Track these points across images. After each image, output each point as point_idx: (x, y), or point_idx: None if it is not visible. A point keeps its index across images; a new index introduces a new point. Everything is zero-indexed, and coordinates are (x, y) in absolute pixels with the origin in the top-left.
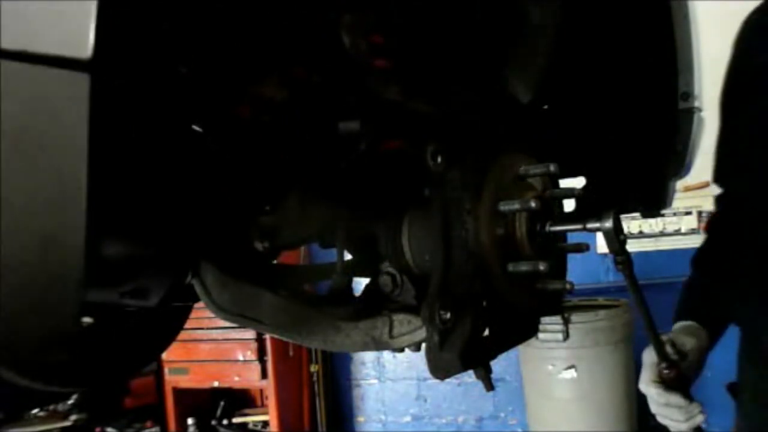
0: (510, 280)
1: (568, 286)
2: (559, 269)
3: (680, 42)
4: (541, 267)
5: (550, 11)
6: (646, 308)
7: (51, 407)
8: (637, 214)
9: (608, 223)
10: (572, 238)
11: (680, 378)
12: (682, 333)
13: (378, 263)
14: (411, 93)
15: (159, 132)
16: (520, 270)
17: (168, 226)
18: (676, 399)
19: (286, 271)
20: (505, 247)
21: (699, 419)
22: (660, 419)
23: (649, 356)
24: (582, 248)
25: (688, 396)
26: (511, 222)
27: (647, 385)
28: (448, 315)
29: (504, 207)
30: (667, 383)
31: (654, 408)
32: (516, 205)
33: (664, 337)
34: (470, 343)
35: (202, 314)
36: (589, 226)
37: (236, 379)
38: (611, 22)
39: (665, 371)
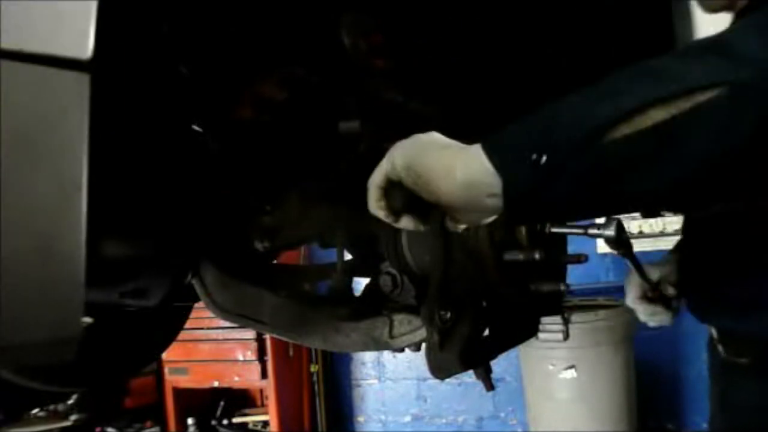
0: (509, 279)
1: (563, 287)
2: (558, 270)
3: (680, 42)
4: (536, 255)
5: None
6: (632, 253)
7: (51, 407)
8: (637, 214)
9: (609, 231)
10: (573, 237)
11: (660, 295)
12: (651, 266)
13: (378, 263)
14: (411, 93)
15: (159, 132)
16: (517, 259)
17: (168, 227)
18: (660, 309)
19: (286, 271)
20: (505, 248)
21: (672, 318)
22: (648, 322)
23: (633, 279)
24: (581, 259)
25: (668, 306)
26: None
27: (634, 302)
28: (448, 315)
29: (509, 257)
30: (650, 299)
31: (643, 317)
32: (520, 256)
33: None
34: (470, 343)
35: (202, 314)
36: (591, 231)
37: (236, 379)
38: (611, 22)
39: (649, 293)
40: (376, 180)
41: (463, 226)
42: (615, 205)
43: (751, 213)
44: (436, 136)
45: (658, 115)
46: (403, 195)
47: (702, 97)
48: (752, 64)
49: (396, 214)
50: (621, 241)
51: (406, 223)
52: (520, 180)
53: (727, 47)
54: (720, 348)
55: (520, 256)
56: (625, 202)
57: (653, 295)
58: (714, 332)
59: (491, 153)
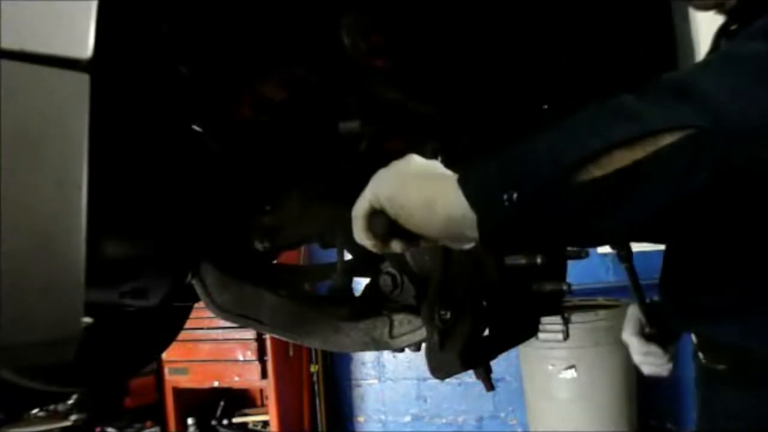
0: (508, 279)
1: (565, 287)
2: (558, 270)
3: (680, 42)
4: (538, 260)
5: None
6: (635, 276)
7: (51, 407)
8: None
9: None
10: None
11: (658, 333)
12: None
13: (378, 263)
14: (411, 93)
15: (159, 132)
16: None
17: (168, 227)
18: (654, 348)
19: (286, 271)
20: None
21: (669, 365)
22: (640, 365)
23: (633, 312)
24: (581, 255)
25: (663, 347)
26: None
27: (630, 336)
28: (448, 315)
29: (510, 261)
30: (647, 336)
31: (636, 356)
32: (522, 260)
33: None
34: (470, 343)
35: (202, 314)
36: None
37: (236, 379)
38: (612, 22)
39: (647, 328)
40: (359, 210)
41: None
42: (586, 240)
43: (728, 226)
44: (415, 162)
45: (622, 157)
46: (385, 222)
47: (664, 141)
48: (711, 108)
49: (382, 240)
50: (621, 258)
51: (395, 246)
52: (493, 217)
53: (689, 89)
54: (700, 355)
55: (522, 261)
56: (596, 238)
57: (650, 331)
58: (694, 339)
59: (465, 190)
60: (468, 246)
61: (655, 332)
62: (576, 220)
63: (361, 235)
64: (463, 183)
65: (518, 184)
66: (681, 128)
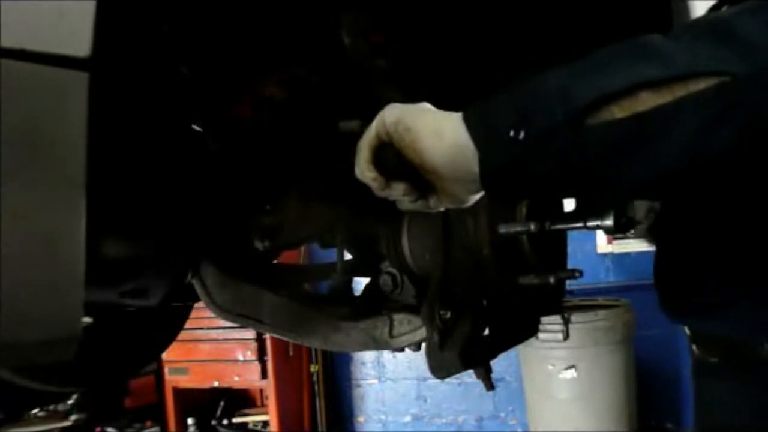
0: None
1: (577, 274)
2: (559, 265)
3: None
4: (551, 280)
5: None
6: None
7: (51, 407)
8: None
9: (609, 221)
10: (572, 237)
11: None
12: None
13: (378, 263)
14: (411, 93)
15: (159, 132)
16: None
17: (168, 226)
18: None
19: (286, 271)
20: (506, 246)
21: None
22: None
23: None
24: (575, 275)
25: None
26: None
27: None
28: (449, 314)
29: (504, 230)
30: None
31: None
32: (516, 228)
33: None
34: (470, 343)
35: (202, 314)
36: (590, 224)
37: (236, 379)
38: (611, 22)
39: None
40: (365, 141)
41: (446, 206)
42: (593, 189)
43: (722, 220)
44: (426, 105)
45: (647, 100)
46: (391, 154)
47: (696, 86)
48: (751, 54)
49: (386, 177)
50: (620, 227)
51: (396, 189)
52: (496, 155)
53: (728, 33)
54: (694, 347)
55: (535, 280)
56: (599, 191)
57: None
58: (687, 331)
59: (468, 123)
60: (472, 193)
61: None
62: (584, 166)
63: (364, 167)
64: (467, 116)
65: (527, 121)
66: (717, 74)
